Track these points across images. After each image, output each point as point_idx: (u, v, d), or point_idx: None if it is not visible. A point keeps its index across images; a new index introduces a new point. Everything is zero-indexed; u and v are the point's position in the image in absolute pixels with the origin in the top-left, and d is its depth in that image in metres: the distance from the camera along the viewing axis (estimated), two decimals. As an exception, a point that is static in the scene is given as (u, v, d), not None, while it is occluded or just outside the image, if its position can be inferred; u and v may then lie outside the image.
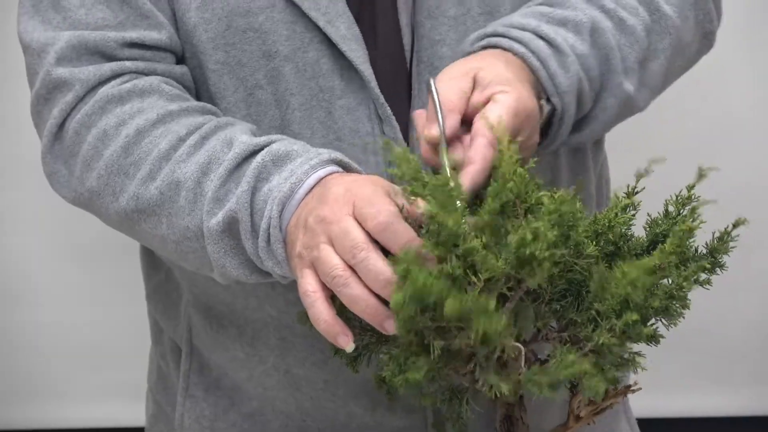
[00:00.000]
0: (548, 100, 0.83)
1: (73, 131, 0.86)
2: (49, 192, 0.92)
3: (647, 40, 0.89)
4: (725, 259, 0.77)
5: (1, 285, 1.99)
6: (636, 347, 0.73)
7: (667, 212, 0.77)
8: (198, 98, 0.91)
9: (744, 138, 1.92)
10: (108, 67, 0.86)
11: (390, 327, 0.70)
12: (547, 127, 0.85)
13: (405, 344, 0.72)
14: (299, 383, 0.95)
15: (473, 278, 0.69)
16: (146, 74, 0.88)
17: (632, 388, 0.76)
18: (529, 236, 0.67)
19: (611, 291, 0.69)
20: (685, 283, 0.71)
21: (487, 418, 0.84)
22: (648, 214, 0.78)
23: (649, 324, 0.73)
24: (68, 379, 2.08)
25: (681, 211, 0.76)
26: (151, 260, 1.06)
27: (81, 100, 0.86)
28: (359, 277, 0.71)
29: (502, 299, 0.71)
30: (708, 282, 0.77)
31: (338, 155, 0.79)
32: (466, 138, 0.77)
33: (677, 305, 0.73)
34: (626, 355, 0.73)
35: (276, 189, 0.76)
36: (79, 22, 0.87)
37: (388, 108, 0.87)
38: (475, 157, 0.74)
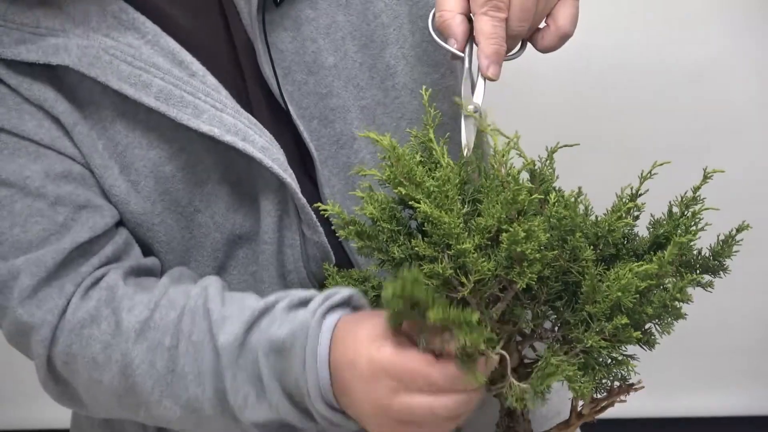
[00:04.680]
0: None
1: (62, 363, 0.83)
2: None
3: None
4: (727, 261, 0.78)
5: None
6: (631, 348, 0.74)
7: (670, 213, 0.78)
8: (141, 245, 0.89)
9: (746, 137, 1.92)
10: (69, 288, 0.82)
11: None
12: None
13: None
14: None
15: (463, 279, 0.69)
16: (100, 268, 0.84)
17: (635, 387, 0.76)
18: (521, 234, 0.67)
19: (602, 294, 0.70)
20: (679, 295, 0.72)
21: (483, 412, 0.85)
22: (651, 214, 0.79)
23: (644, 329, 0.74)
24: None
25: (685, 212, 0.77)
26: None
27: (56, 328, 0.82)
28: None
29: (494, 300, 0.72)
30: (710, 285, 0.77)
31: (315, 311, 0.77)
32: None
33: (670, 316, 0.73)
34: (618, 357, 0.73)
35: (301, 381, 0.75)
36: (20, 243, 0.82)
37: (310, 211, 0.86)
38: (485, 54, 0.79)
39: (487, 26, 0.79)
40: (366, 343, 0.72)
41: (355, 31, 0.88)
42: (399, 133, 0.89)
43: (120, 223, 0.87)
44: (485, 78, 0.79)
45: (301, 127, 0.87)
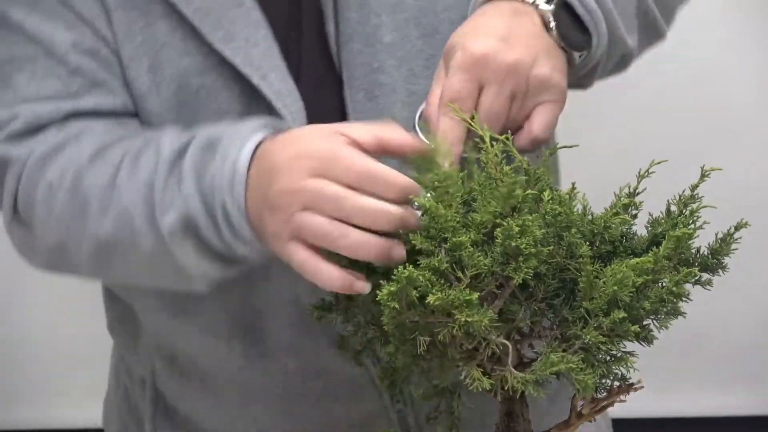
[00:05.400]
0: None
1: (24, 194, 0.85)
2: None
3: None
4: (726, 259, 0.78)
5: None
6: (631, 346, 0.74)
7: (669, 212, 0.78)
8: None
9: (746, 137, 1.92)
10: (52, 133, 0.86)
11: (400, 252, 0.71)
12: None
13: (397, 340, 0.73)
14: (266, 428, 0.97)
15: (459, 274, 0.69)
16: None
17: (635, 387, 0.76)
18: (515, 229, 0.67)
19: (599, 289, 0.70)
20: (675, 288, 0.72)
21: (482, 414, 0.85)
22: (650, 213, 0.79)
23: (642, 324, 0.74)
24: (66, 380, 2.08)
25: (683, 211, 0.77)
26: (110, 292, 1.06)
27: (26, 165, 0.85)
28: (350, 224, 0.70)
29: (491, 297, 0.72)
30: (709, 283, 0.77)
31: (264, 120, 0.79)
32: None
33: (667, 311, 0.74)
34: (617, 354, 0.73)
35: (218, 176, 0.75)
36: (30, 98, 0.86)
37: None
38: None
39: (445, 126, 0.79)
40: (312, 129, 0.74)
41: (421, 17, 0.88)
42: None
43: (134, 116, 0.88)
44: None
45: (347, 94, 0.88)
